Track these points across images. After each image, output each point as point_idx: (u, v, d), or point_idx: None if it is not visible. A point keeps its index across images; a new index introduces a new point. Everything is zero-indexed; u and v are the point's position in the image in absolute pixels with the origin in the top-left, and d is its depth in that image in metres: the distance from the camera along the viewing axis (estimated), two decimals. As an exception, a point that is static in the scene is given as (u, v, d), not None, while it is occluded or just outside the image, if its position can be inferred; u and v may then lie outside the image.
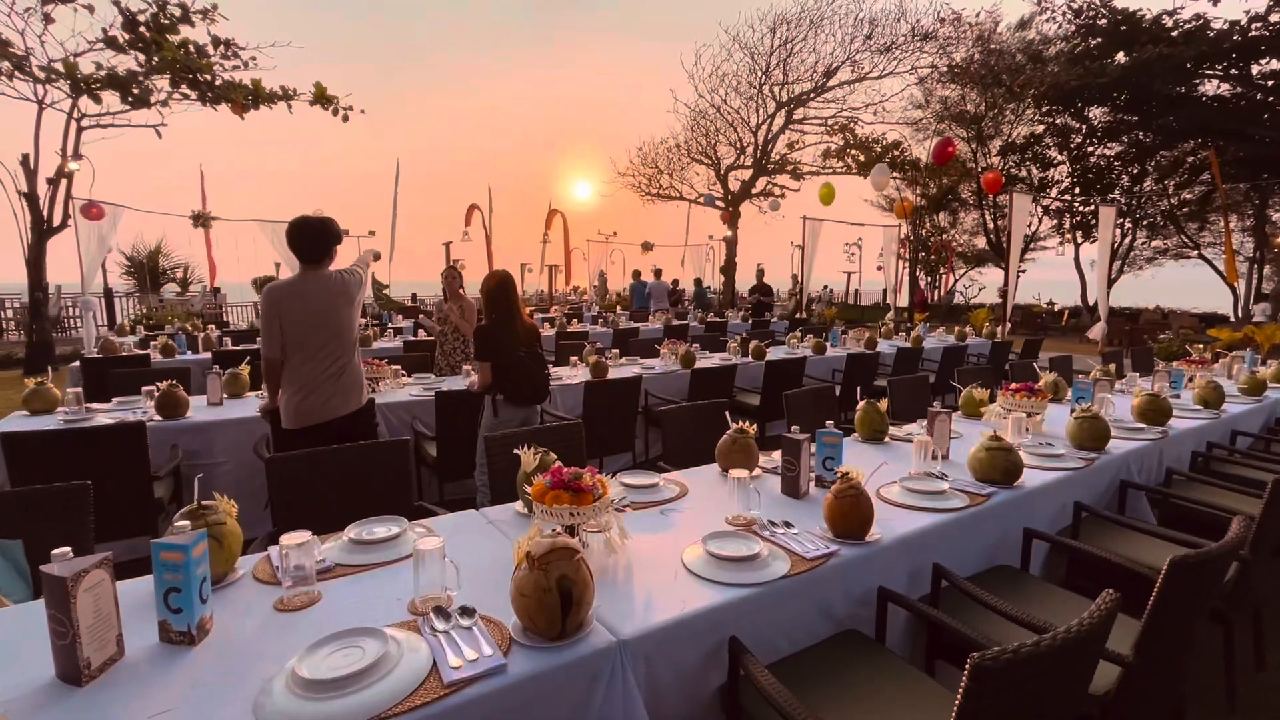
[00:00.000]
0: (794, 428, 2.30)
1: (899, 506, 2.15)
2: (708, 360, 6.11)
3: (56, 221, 10.25)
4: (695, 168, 19.36)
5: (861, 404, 3.12)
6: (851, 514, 1.84)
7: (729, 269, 18.82)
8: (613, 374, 5.20)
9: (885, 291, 17.86)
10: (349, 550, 1.77)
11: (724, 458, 2.54)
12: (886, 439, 3.12)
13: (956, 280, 26.33)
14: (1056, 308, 20.63)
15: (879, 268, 18.00)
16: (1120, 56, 17.65)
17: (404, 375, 4.78)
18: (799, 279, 15.68)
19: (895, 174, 18.90)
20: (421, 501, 2.62)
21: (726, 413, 2.66)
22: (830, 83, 17.46)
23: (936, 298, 26.05)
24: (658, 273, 15.94)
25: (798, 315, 14.99)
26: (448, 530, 1.98)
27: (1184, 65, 16.30)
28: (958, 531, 2.11)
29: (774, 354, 6.56)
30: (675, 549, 1.80)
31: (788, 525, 1.93)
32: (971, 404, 3.62)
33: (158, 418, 3.61)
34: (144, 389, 3.76)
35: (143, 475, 3.03)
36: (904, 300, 18.31)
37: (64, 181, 10.15)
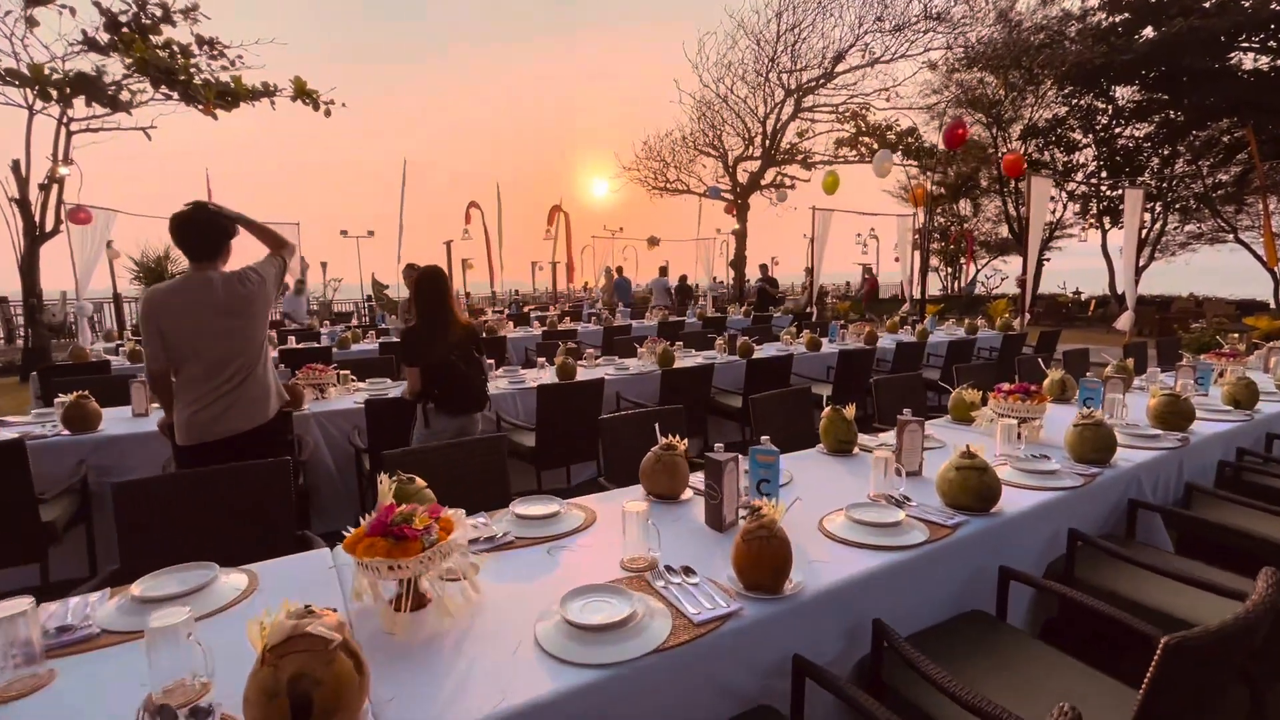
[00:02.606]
0: (717, 445, 1.92)
1: (840, 543, 1.76)
2: (691, 359, 5.73)
3: (49, 227, 10.19)
4: (703, 160, 18.88)
5: (826, 411, 2.72)
6: (761, 561, 1.46)
7: (738, 263, 18.32)
8: (585, 375, 4.85)
9: (902, 284, 17.23)
10: (129, 610, 1.43)
11: (647, 478, 2.16)
12: (855, 450, 2.71)
13: (979, 270, 25.49)
14: (1083, 297, 19.78)
15: (897, 259, 17.40)
16: (1148, 31, 16.78)
17: (354, 380, 4.47)
18: (812, 272, 15.17)
19: (910, 161, 18.23)
20: (307, 531, 2.29)
21: (656, 425, 2.28)
22: (839, 68, 16.85)
23: (957, 288, 25.25)
24: (663, 269, 15.55)
25: (808, 310, 14.49)
26: (276, 580, 1.63)
27: (1217, 38, 15.40)
28: (911, 575, 1.71)
29: (767, 351, 6.16)
30: (536, 608, 1.43)
31: (688, 572, 1.55)
32: (961, 407, 3.19)
33: (65, 432, 3.34)
34: (56, 400, 3.50)
35: (24, 498, 2.74)
36: (919, 292, 17.64)
37: (55, 187, 10.08)
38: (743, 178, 18.36)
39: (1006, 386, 2.92)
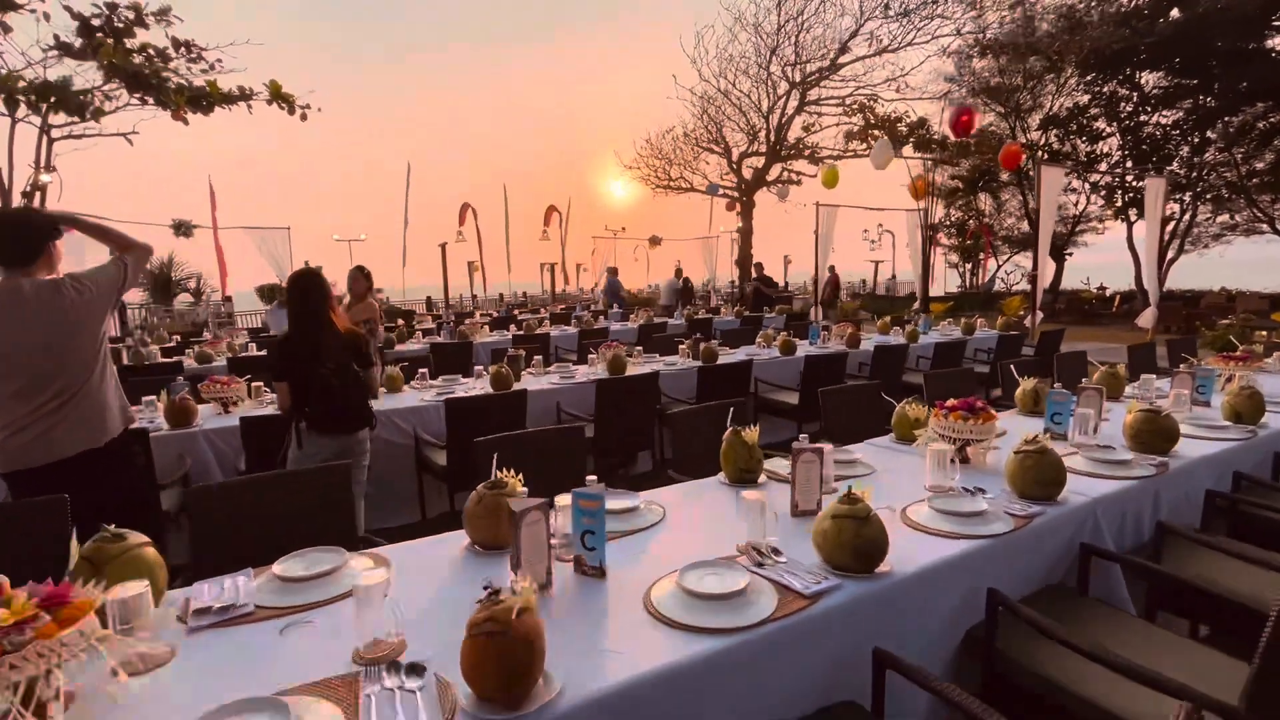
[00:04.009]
0: (520, 489, 1.52)
1: (664, 624, 1.35)
2: (654, 365, 5.33)
3: (33, 235, 10.15)
4: (707, 157, 18.42)
5: (726, 434, 2.31)
6: (486, 664, 1.06)
7: (744, 261, 17.82)
8: (530, 384, 4.50)
9: (916, 282, 16.58)
10: None
11: (468, 523, 1.78)
12: (762, 479, 2.30)
13: (999, 266, 24.59)
14: (1108, 293, 18.87)
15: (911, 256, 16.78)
16: (1174, 13, 15.90)
17: (268, 392, 4.16)
18: (818, 270, 14.64)
19: (923, 154, 17.56)
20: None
21: (495, 455, 1.89)
22: (845, 58, 16.27)
23: (976, 284, 24.41)
24: (678, 270, 15.21)
25: (810, 310, 13.96)
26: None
27: (1250, 17, 14.49)
28: (747, 665, 1.29)
29: (738, 355, 5.73)
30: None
31: (413, 672, 1.16)
32: (905, 425, 2.74)
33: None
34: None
35: None
36: (935, 289, 16.99)
37: (38, 194, 10.03)
38: (748, 174, 17.86)
39: (951, 402, 2.48)
